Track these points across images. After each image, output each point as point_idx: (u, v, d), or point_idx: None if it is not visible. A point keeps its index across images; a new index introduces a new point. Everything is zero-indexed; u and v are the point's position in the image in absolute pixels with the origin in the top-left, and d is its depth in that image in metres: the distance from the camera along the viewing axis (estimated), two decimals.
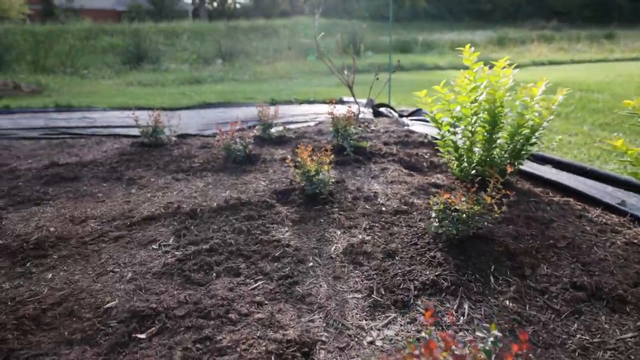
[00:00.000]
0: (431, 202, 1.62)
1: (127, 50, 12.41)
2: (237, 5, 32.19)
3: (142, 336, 1.21)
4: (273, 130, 3.20)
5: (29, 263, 1.59)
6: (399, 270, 1.45)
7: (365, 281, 1.41)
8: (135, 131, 3.34)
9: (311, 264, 1.52)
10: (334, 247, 1.62)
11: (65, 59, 11.16)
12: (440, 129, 2.27)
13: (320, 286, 1.39)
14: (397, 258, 1.54)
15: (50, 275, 1.51)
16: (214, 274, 1.46)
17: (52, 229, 1.83)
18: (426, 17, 22.81)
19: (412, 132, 3.38)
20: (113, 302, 1.34)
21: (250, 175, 2.44)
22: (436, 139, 2.36)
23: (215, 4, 31.80)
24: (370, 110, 4.51)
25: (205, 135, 3.57)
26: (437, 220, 1.58)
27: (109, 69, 10.98)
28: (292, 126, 3.75)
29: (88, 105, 5.21)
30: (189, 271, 1.48)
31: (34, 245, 1.69)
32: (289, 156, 2.74)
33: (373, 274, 1.44)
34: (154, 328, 1.23)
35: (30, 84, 7.79)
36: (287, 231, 1.75)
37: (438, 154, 2.47)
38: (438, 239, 1.60)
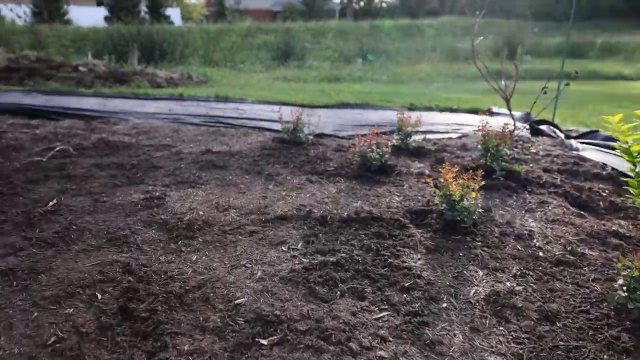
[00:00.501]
0: (618, 265, 1.29)
1: (277, 47, 13.45)
2: (384, 4, 32.17)
3: (265, 342, 1.22)
4: (412, 140, 3.05)
5: (180, 241, 1.76)
6: (561, 343, 1.20)
7: (513, 344, 1.19)
8: (277, 126, 3.53)
9: (445, 304, 1.36)
10: (473, 290, 1.43)
11: (228, 54, 12.59)
12: (635, 165, 1.81)
13: (454, 335, 1.23)
14: (558, 324, 1.27)
15: (195, 257, 1.64)
16: (338, 292, 1.42)
17: (201, 213, 2.00)
18: (610, 14, 19.25)
19: (584, 159, 2.88)
20: (242, 299, 1.39)
21: (384, 187, 2.35)
22: (624, 174, 1.91)
23: (362, 3, 32.24)
24: (527, 127, 3.90)
25: (340, 137, 3.61)
26: (624, 289, 1.26)
27: (260, 64, 12.05)
28: (432, 136, 3.54)
29: (241, 98, 5.74)
30: (314, 283, 1.46)
31: (186, 225, 1.87)
32: (426, 171, 2.57)
33: (523, 338, 1.21)
34: (275, 337, 1.23)
35: (199, 75, 8.97)
36: (419, 259, 1.61)
37: (626, 195, 2.02)
38: (624, 315, 1.28)
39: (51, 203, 2.02)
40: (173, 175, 2.51)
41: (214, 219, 1.94)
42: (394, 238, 1.75)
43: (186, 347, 1.19)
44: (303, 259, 1.62)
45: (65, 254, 1.61)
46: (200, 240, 1.77)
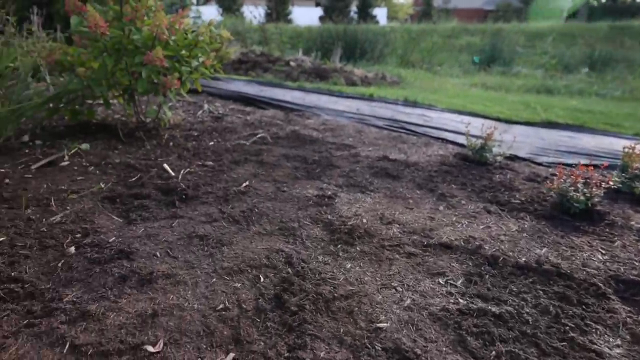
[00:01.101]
0: None
1: (481, 50, 12.57)
2: None
3: None
4: None
5: (339, 245, 1.82)
6: None
7: None
8: (463, 139, 3.30)
9: None
10: None
11: (426, 55, 12.43)
12: None
13: None
14: None
15: (349, 265, 1.67)
16: (494, 352, 1.23)
17: (364, 221, 2.03)
18: None
19: None
20: (385, 324, 1.34)
21: (584, 238, 1.94)
22: None
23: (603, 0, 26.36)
24: None
25: (536, 163, 3.14)
26: None
27: (459, 67, 11.50)
28: None
29: (430, 104, 5.59)
30: (466, 331, 1.30)
31: (348, 230, 1.92)
32: None
33: None
34: None
35: (393, 75, 9.12)
36: (618, 346, 1.26)
37: None
38: None
39: (244, 184, 2.35)
40: (347, 176, 2.61)
41: (376, 231, 1.93)
42: (584, 307, 1.42)
43: (322, 354, 1.21)
44: (460, 300, 1.47)
45: (245, 233, 1.85)
46: (358, 249, 1.79)
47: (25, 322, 1.22)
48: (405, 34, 14.69)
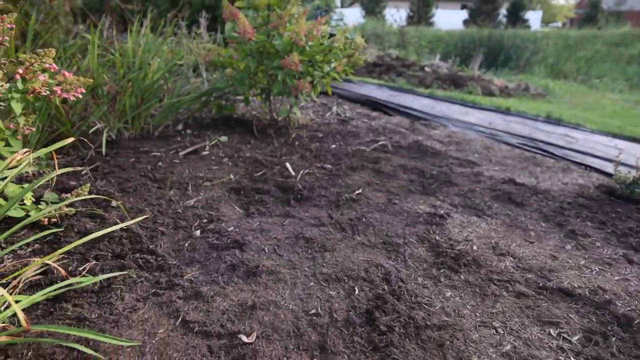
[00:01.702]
0: None
1: None
2: None
3: None
4: None
5: (442, 270, 1.74)
6: None
7: None
8: (610, 168, 2.83)
9: None
10: None
11: (583, 65, 10.91)
12: None
13: None
14: None
15: (449, 294, 1.59)
16: None
17: (475, 248, 1.90)
18: None
19: None
20: None
21: None
22: None
23: None
24: None
25: None
26: None
27: (625, 81, 9.82)
28: None
29: (577, 122, 4.91)
30: None
31: (455, 255, 1.82)
32: None
33: None
34: None
35: (538, 87, 8.24)
36: None
37: None
38: None
39: (357, 192, 2.39)
40: (464, 196, 2.46)
41: (485, 261, 1.79)
42: None
43: None
44: (572, 359, 1.28)
45: (348, 242, 1.89)
46: (462, 277, 1.69)
47: (153, 290, 1.45)
48: (560, 41, 13.08)
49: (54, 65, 1.84)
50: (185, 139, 3.18)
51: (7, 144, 2.11)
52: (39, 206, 1.93)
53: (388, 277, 1.63)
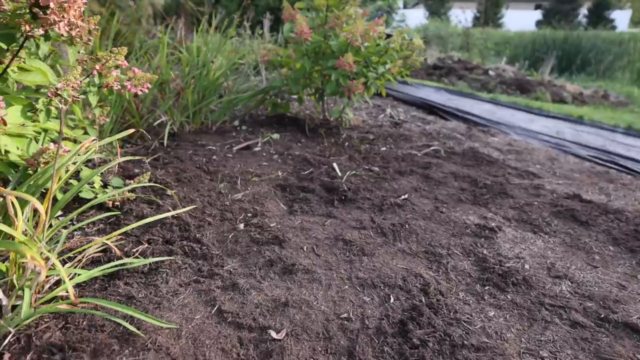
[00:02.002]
0: None
1: None
2: None
3: None
4: None
5: (487, 287, 1.64)
6: None
7: None
8: None
9: None
10: None
11: None
12: None
13: None
14: None
15: (492, 313, 1.49)
16: None
17: (526, 267, 1.77)
18: None
19: None
20: None
21: None
22: None
23: None
24: None
25: None
26: None
27: None
28: None
29: None
30: None
31: (503, 272, 1.71)
32: None
33: None
34: None
35: (620, 94, 7.54)
36: None
37: None
38: None
39: (403, 197, 2.33)
40: (520, 210, 2.30)
41: (538, 282, 1.66)
42: None
43: None
44: None
45: (388, 247, 1.84)
46: (508, 297, 1.58)
47: (194, 277, 1.51)
48: None
49: (125, 62, 1.98)
50: (240, 134, 3.28)
51: (85, 132, 2.30)
52: (105, 190, 2.08)
53: (426, 289, 1.57)
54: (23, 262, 1.31)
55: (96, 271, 1.41)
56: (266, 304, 1.39)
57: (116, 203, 2.03)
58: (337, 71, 3.05)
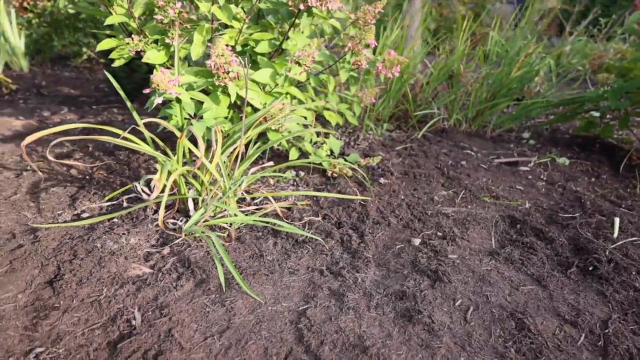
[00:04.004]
0: None
1: None
2: None
3: None
4: None
5: None
6: None
7: None
8: None
9: None
10: None
11: None
12: None
13: None
14: None
15: None
16: None
17: None
18: None
19: None
20: None
21: None
22: None
23: None
24: None
25: None
26: None
27: None
28: None
29: None
30: None
31: None
32: None
33: None
34: None
35: None
36: None
37: None
38: None
39: None
40: None
41: None
42: None
43: None
44: None
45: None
46: None
47: (322, 268, 1.36)
48: None
49: (375, 41, 1.95)
50: (519, 147, 2.68)
51: (350, 108, 2.48)
52: (330, 159, 2.19)
53: None
54: (211, 189, 1.56)
55: (248, 218, 1.51)
56: (344, 345, 1.09)
57: (334, 174, 2.10)
58: None
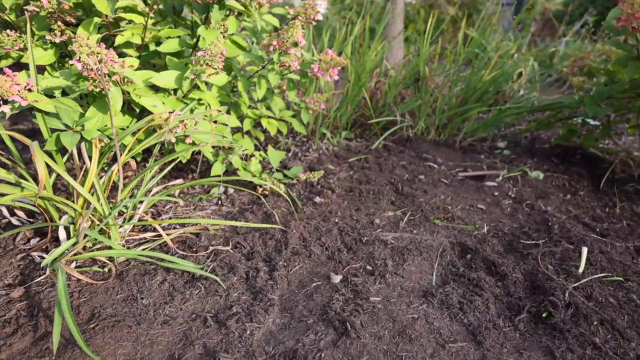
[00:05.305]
0: None
1: None
2: None
3: None
4: None
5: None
6: None
7: None
8: None
9: None
10: None
11: None
12: None
13: None
14: None
15: None
16: None
17: None
18: None
19: None
20: None
21: None
22: None
23: None
24: None
25: None
26: None
27: None
28: None
29: None
30: None
31: None
32: None
33: None
34: None
35: None
36: None
37: None
38: None
39: None
40: None
41: None
42: None
43: None
44: None
45: None
46: None
47: (211, 312, 1.09)
48: None
49: (302, 39, 1.68)
50: (491, 159, 2.40)
51: (294, 116, 2.22)
52: (264, 174, 1.91)
53: None
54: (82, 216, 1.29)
55: (130, 252, 1.24)
56: None
57: (265, 191, 1.83)
58: None
